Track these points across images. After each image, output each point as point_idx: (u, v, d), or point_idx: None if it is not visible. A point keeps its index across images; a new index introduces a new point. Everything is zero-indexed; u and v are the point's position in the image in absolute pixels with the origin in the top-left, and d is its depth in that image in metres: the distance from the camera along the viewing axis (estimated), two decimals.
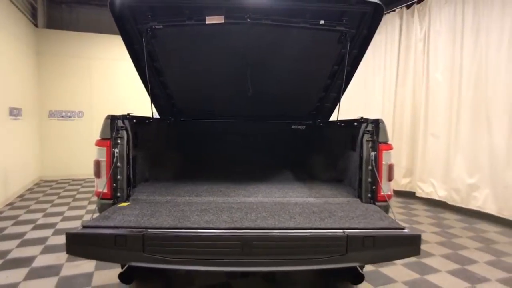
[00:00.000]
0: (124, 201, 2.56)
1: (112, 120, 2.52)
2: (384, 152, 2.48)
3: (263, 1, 2.63)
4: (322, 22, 2.80)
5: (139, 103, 6.94)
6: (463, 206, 5.53)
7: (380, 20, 2.72)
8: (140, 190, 2.90)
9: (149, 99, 3.55)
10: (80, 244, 1.84)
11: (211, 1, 2.63)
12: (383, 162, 2.49)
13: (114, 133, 2.52)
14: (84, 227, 1.93)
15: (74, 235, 1.83)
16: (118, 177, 2.54)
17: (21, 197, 6.47)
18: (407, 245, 1.88)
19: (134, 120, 2.80)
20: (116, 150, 2.50)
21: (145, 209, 2.34)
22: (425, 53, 6.24)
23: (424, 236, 4.49)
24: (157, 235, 1.84)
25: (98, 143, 2.50)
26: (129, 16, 2.76)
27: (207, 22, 2.79)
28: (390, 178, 2.52)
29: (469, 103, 5.44)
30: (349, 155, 3.07)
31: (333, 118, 4.29)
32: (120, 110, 2.81)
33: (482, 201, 5.26)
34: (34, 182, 7.73)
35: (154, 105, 3.84)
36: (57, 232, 4.42)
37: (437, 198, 6.04)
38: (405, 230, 1.96)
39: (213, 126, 4.42)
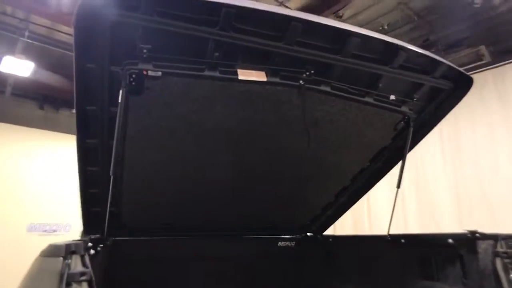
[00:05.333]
0: None
1: None
2: None
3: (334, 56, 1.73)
4: (392, 97, 2.04)
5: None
6: None
7: (456, 102, 2.11)
8: None
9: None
10: None
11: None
12: None
13: None
14: None
15: None
16: None
17: None
18: None
19: None
20: None
21: None
22: None
23: None
24: None
25: None
26: (107, 44, 1.44)
27: (240, 78, 1.69)
28: None
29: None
30: None
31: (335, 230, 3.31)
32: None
33: None
34: None
35: (82, 213, 2.21)
36: None
37: None
38: None
39: (167, 247, 2.82)
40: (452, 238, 1.94)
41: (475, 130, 5.08)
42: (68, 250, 1.08)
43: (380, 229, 5.64)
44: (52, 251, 1.05)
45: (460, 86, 2.02)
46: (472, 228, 5.12)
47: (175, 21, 1.43)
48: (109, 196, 1.79)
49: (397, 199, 5.32)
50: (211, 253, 2.96)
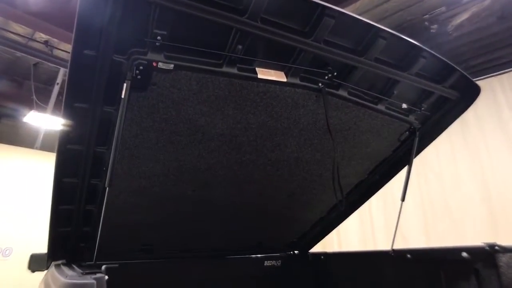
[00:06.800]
0: None
1: None
2: None
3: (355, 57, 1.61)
4: (404, 106, 1.97)
5: None
6: None
7: (460, 113, 2.10)
8: None
9: None
10: None
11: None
12: None
13: None
14: None
15: None
16: None
17: None
18: None
19: None
20: None
21: None
22: None
23: None
24: None
25: None
26: (114, 26, 1.17)
27: (259, 77, 1.51)
28: None
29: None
30: None
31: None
32: None
33: None
34: None
35: (50, 234, 1.86)
36: None
37: None
38: None
39: (146, 271, 2.45)
40: (467, 252, 1.86)
41: (438, 148, 5.32)
42: None
43: (349, 244, 5.65)
44: None
45: (466, 97, 2.02)
46: (438, 238, 5.29)
47: (200, 3, 1.22)
48: (102, 214, 1.47)
49: (364, 214, 5.39)
50: (193, 276, 2.66)
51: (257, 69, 1.51)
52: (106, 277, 1.03)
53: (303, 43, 1.45)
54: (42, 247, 2.18)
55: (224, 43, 1.39)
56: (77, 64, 1.23)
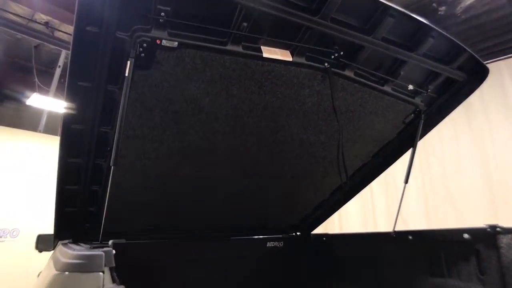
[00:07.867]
0: None
1: None
2: None
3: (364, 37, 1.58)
4: (411, 87, 1.95)
5: None
6: None
7: (467, 95, 2.08)
8: None
9: None
10: None
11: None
12: None
13: None
14: None
15: None
16: None
17: None
18: None
19: None
20: None
21: None
22: None
23: None
24: None
25: None
26: (116, 2, 1.15)
27: (264, 55, 1.48)
28: None
29: None
30: None
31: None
32: None
33: None
34: None
35: (56, 214, 1.88)
36: None
37: None
38: None
39: (150, 252, 2.49)
40: (468, 233, 1.88)
41: (441, 132, 5.29)
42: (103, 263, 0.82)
43: (350, 227, 5.70)
44: (84, 265, 0.78)
45: (473, 78, 1.98)
46: (439, 222, 5.32)
47: None
48: (107, 194, 1.48)
49: (365, 198, 5.39)
50: (196, 257, 2.70)
51: (262, 47, 1.49)
52: (114, 251, 1.05)
53: (309, 20, 1.42)
54: (48, 228, 2.21)
55: (229, 20, 1.36)
56: (80, 41, 1.21)
